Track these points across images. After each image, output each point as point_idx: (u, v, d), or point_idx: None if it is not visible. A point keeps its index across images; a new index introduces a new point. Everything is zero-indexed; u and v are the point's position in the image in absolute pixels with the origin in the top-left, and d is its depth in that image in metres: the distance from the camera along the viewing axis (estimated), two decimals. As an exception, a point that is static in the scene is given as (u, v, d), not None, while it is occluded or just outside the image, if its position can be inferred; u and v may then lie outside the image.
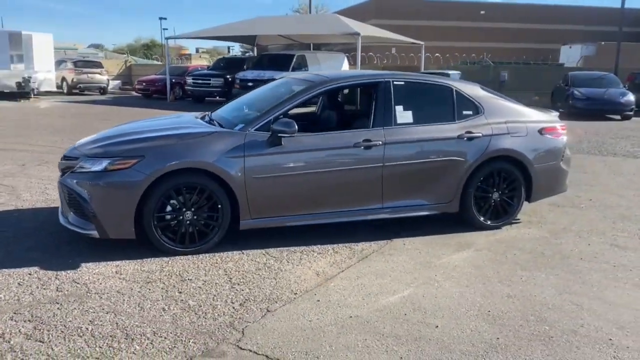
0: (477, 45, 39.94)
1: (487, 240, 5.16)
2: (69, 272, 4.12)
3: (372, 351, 3.11)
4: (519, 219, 5.82)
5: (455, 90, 5.40)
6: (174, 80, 23.44)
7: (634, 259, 4.70)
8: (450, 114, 5.32)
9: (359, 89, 5.83)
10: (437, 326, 3.43)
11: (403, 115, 5.14)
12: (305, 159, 4.79)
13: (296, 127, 4.59)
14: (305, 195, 4.84)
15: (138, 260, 4.38)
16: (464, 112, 5.37)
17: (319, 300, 3.77)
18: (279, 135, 4.61)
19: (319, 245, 4.88)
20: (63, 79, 25.54)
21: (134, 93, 26.78)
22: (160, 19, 52.72)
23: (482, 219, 5.41)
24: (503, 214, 5.52)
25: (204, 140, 4.60)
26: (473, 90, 5.53)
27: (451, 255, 4.74)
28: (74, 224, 4.51)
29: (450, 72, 20.73)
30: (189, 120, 5.41)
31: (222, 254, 4.60)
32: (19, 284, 3.88)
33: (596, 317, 3.59)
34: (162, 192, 4.38)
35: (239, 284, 4.00)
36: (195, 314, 3.52)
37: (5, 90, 21.59)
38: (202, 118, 5.42)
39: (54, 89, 24.18)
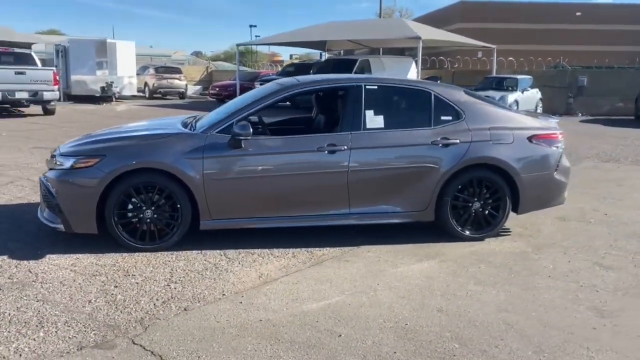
0: (561, 48, 37.79)
1: (460, 252, 4.92)
2: (30, 262, 4.43)
3: (257, 355, 3.10)
4: (509, 230, 5.51)
5: (434, 95, 5.20)
6: (244, 86, 24.17)
7: (610, 280, 4.30)
8: (426, 119, 5.14)
9: (333, 93, 5.75)
10: (340, 335, 3.35)
11: (373, 120, 5.03)
12: (266, 161, 4.83)
13: (250, 130, 4.65)
14: (267, 198, 4.87)
15: (99, 255, 4.62)
16: (443, 118, 5.16)
17: (241, 302, 3.80)
18: (237, 137, 4.68)
19: (281, 249, 4.89)
20: (145, 84, 27.21)
21: (209, 98, 27.95)
22: (251, 26, 55.29)
23: (460, 228, 5.17)
24: (486, 225, 5.23)
25: (164, 141, 4.78)
26: (455, 95, 5.30)
27: (410, 265, 4.57)
28: (47, 219, 4.84)
29: (519, 76, 19.80)
30: (166, 123, 5.62)
31: (180, 252, 4.74)
32: (-20, 270, 4.23)
33: (519, 339, 3.33)
34: (122, 190, 4.60)
35: (176, 282, 4.11)
36: (116, 308, 3.67)
37: (93, 94, 23.34)
38: (186, 121, 5.58)
39: (135, 93, 25.79)
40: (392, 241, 5.13)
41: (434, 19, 44.07)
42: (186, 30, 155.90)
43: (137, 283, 4.08)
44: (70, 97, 23.87)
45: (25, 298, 3.76)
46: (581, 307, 3.81)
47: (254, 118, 5.37)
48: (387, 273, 4.39)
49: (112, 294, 3.88)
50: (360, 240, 5.14)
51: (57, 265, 4.37)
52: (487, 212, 5.21)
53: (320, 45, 26.40)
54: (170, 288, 4.01)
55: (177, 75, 27.55)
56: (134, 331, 3.35)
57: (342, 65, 21.14)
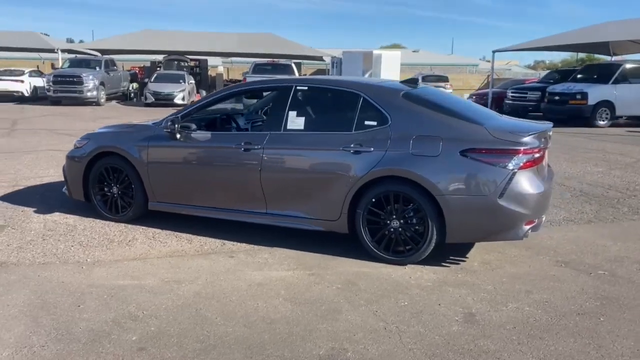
0: None
1: (346, 270, 4.43)
2: (40, 214, 5.85)
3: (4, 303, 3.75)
4: (463, 260, 4.63)
5: (363, 98, 4.72)
6: (499, 95, 22.97)
7: (424, 330, 3.37)
8: (349, 123, 4.72)
9: (269, 93, 5.60)
10: (79, 306, 3.70)
11: (295, 121, 4.89)
12: (193, 154, 5.26)
13: (168, 123, 5.16)
14: (195, 188, 5.28)
15: (84, 218, 5.78)
16: (366, 122, 4.66)
17: (83, 268, 4.43)
18: (168, 130, 5.24)
19: (204, 237, 5.18)
20: (412, 91, 28.34)
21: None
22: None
23: (374, 247, 4.59)
24: (407, 250, 4.51)
25: (127, 131, 5.67)
26: (387, 98, 4.69)
27: (272, 272, 4.40)
28: (65, 187, 6.23)
29: None
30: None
31: (131, 226, 5.55)
32: None
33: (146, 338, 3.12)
34: (97, 168, 5.67)
35: (79, 244, 4.96)
36: (6, 250, 4.76)
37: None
38: None
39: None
40: (309, 248, 4.88)
41: None
42: (529, 39, 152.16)
43: (57, 240, 5.08)
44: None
45: (-17, 234, 5.18)
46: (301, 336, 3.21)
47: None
48: (235, 274, 4.34)
49: (29, 242, 4.98)
50: (282, 242, 5.04)
51: (46, 220, 5.71)
52: (409, 234, 4.49)
53: (601, 48, 23.05)
54: (66, 246, 4.89)
55: (442, 84, 27.78)
56: (-18, 267, 4.37)
57: (603, 70, 18.23)
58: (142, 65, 31.00)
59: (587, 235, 5.45)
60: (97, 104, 22.06)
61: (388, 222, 4.54)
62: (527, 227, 4.32)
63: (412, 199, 4.43)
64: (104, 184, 5.71)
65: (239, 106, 6.54)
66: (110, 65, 24.68)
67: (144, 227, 5.49)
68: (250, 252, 4.85)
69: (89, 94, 21.89)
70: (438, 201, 4.31)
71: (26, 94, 24.19)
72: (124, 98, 26.09)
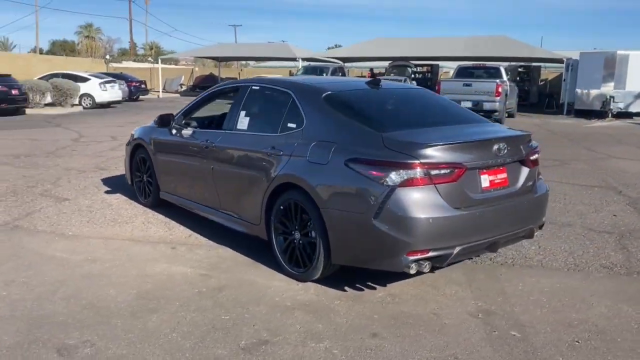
0: None
1: (240, 278, 4.25)
2: (104, 194, 6.95)
3: (-37, 254, 4.71)
4: (373, 287, 4.07)
5: (292, 99, 4.42)
6: None
7: (174, 347, 3.08)
8: (277, 124, 4.47)
9: (234, 93, 5.33)
10: (-4, 266, 4.43)
11: (243, 121, 4.85)
12: (178, 149, 5.61)
13: (157, 119, 5.61)
14: (181, 181, 5.63)
15: (127, 199, 6.66)
16: (289, 124, 4.36)
17: (56, 238, 5.19)
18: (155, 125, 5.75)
19: (188, 229, 5.51)
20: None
21: None
22: None
23: (280, 256, 4.31)
24: (304, 265, 4.11)
25: (150, 127, 6.26)
26: (309, 99, 4.32)
27: (173, 266, 4.48)
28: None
29: None
30: None
31: (149, 210, 6.17)
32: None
33: (-8, 316, 3.50)
34: (136, 158, 6.46)
35: (87, 222, 5.77)
36: (18, 215, 5.84)
37: (594, 109, 22.31)
38: None
39: (644, 111, 22.54)
40: (256, 254, 4.75)
41: None
42: None
43: (80, 214, 5.97)
44: (577, 112, 23.59)
45: (38, 197, 6.41)
46: None
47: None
48: (146, 263, 4.56)
49: (61, 214, 5.98)
50: (241, 244, 4.99)
51: (100, 198, 6.72)
52: (308, 249, 4.08)
53: None
54: (75, 221, 5.73)
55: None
56: None
57: None
58: (377, 72, 32.43)
59: (588, 288, 4.07)
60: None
61: (293, 232, 4.19)
62: (412, 257, 3.50)
63: (306, 210, 4.00)
64: (139, 172, 6.48)
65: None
66: (337, 71, 26.45)
67: (154, 213, 6.07)
68: (195, 247, 4.99)
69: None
70: (322, 214, 3.82)
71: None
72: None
